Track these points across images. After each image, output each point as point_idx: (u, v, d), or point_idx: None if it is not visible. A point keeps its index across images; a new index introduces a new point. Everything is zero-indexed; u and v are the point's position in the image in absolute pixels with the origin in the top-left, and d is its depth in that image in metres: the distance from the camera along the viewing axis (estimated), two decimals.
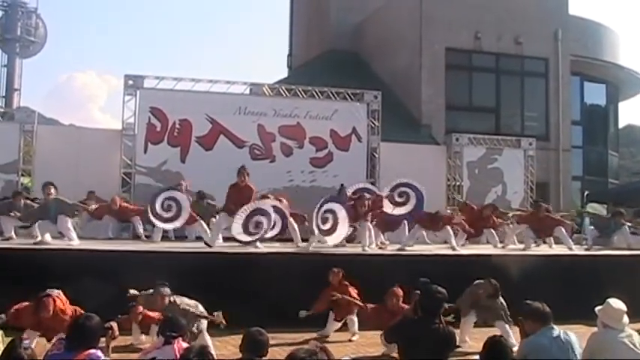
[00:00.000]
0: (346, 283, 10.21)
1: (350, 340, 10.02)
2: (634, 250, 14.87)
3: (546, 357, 5.53)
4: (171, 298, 8.23)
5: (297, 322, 9.97)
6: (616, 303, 6.07)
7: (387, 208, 13.91)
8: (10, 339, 4.82)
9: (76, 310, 8.24)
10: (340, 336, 10.18)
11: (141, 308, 8.19)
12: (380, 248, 13.66)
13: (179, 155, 16.25)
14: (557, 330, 5.75)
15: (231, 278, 10.58)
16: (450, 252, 13.19)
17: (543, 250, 15.01)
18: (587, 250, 15.12)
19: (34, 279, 8.54)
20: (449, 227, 13.85)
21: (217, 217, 13.42)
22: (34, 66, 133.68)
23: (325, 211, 12.58)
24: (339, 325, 10.35)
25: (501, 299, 9.76)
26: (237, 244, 12.71)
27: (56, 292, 8.14)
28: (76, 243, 11.79)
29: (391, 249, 13.51)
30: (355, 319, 10.23)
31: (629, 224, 16.26)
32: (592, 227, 16.91)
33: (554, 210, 17.09)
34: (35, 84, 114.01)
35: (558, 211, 18.41)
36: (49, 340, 7.68)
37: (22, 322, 8.09)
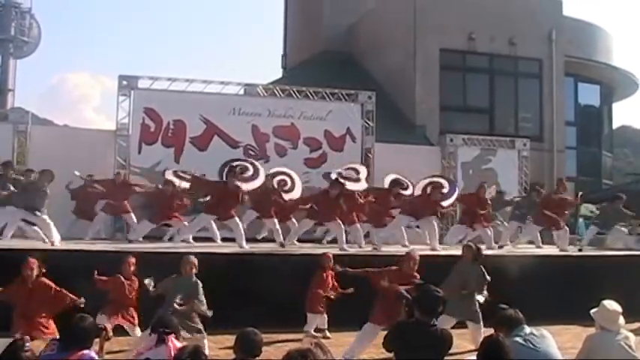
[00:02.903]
0: (332, 272, 10.38)
1: (326, 337, 10.08)
2: (630, 249, 14.90)
3: (527, 352, 5.50)
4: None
5: (291, 323, 10.00)
6: (611, 305, 6.06)
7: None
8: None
9: (56, 289, 8.14)
10: (335, 337, 10.18)
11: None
12: (374, 248, 13.66)
13: (173, 156, 16.22)
14: (528, 328, 5.72)
15: (225, 278, 10.57)
16: (450, 252, 13.19)
17: (538, 250, 15.02)
18: (580, 250, 15.08)
19: None
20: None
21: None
22: (28, 66, 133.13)
23: None
24: (318, 318, 10.40)
25: (476, 300, 9.80)
26: (232, 244, 12.77)
27: None
28: (57, 240, 11.72)
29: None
30: (325, 317, 10.44)
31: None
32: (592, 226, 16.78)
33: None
34: (29, 84, 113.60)
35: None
36: (30, 322, 7.71)
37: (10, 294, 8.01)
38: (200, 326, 8.51)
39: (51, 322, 7.96)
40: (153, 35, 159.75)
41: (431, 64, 22.15)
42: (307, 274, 10.43)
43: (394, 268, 9.02)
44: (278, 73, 32.07)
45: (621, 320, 6.01)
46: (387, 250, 13.26)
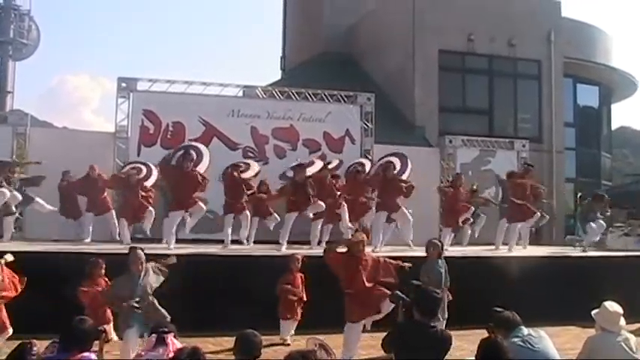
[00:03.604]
0: (301, 274, 10.38)
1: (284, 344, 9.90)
2: (629, 250, 14.90)
3: (526, 353, 5.51)
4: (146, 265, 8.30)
5: None
6: (612, 306, 6.07)
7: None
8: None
9: (14, 282, 8.16)
10: (337, 337, 10.17)
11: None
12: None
13: None
14: (526, 329, 5.73)
15: (224, 280, 10.58)
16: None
17: (535, 251, 15.02)
18: (583, 251, 14.99)
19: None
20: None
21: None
22: (27, 68, 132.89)
23: None
24: (291, 322, 10.29)
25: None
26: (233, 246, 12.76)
27: None
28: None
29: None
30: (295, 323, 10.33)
31: (621, 224, 16.16)
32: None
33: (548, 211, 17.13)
34: (28, 86, 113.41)
35: (552, 212, 18.50)
36: None
37: None
38: (164, 313, 8.23)
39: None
40: (152, 36, 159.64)
41: (430, 66, 22.14)
42: (307, 275, 10.43)
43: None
44: (277, 74, 32.09)
45: (622, 321, 6.02)
46: (385, 250, 13.29)
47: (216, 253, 12.00)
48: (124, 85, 16.05)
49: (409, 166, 15.11)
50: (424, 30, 22.16)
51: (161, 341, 5.32)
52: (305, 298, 10.32)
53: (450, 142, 19.23)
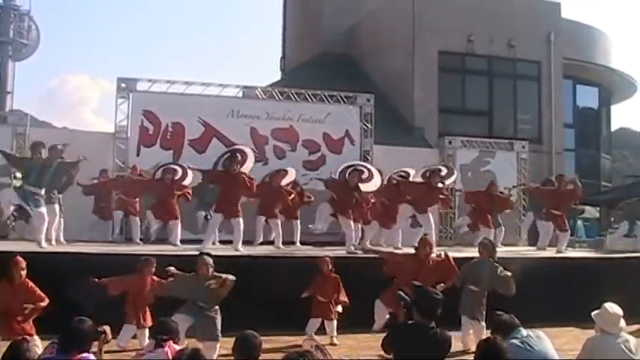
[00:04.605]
0: (335, 275, 10.23)
1: (332, 344, 9.83)
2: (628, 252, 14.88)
3: (524, 354, 5.53)
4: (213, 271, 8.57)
5: (291, 325, 9.98)
6: (612, 307, 6.07)
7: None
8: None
9: (39, 293, 8.06)
10: (338, 339, 10.16)
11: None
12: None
13: (172, 158, 16.10)
14: (525, 331, 5.74)
15: None
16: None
17: (535, 252, 15.01)
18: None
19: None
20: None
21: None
22: (27, 69, 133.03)
23: None
24: (319, 323, 10.20)
25: (484, 300, 9.85)
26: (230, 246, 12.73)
27: None
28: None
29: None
30: (334, 323, 10.22)
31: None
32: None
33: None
34: (28, 87, 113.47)
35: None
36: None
37: None
38: (218, 333, 8.50)
39: (30, 323, 7.95)
40: (151, 36, 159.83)
41: (430, 66, 22.15)
42: (307, 276, 10.40)
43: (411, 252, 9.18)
44: (277, 75, 32.05)
45: (622, 323, 6.02)
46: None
47: (219, 253, 11.97)
48: (123, 85, 16.04)
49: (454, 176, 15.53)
50: (424, 31, 22.17)
51: (160, 345, 5.33)
52: (346, 300, 10.18)
53: (450, 143, 19.24)
